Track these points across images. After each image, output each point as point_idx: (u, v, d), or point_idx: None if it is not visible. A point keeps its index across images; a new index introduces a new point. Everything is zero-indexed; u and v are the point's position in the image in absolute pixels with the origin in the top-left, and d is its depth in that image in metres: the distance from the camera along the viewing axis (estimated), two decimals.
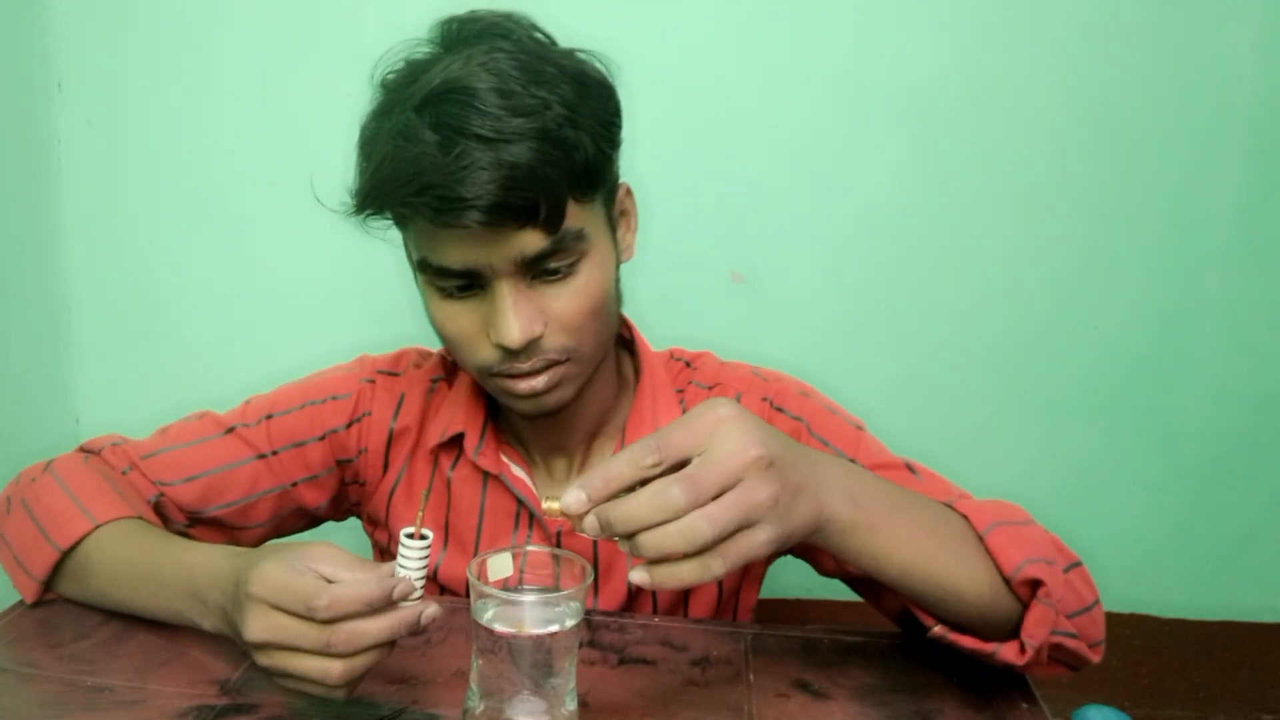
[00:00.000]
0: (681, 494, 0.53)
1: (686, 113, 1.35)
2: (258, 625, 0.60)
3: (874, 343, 1.43)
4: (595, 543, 0.85)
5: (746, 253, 1.41)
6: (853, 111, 1.37)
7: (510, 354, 0.73)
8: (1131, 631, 1.48)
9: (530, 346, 0.73)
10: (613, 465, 0.55)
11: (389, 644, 0.61)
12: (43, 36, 1.37)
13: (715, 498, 0.54)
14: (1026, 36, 1.34)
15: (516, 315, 0.71)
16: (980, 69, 1.35)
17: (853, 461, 0.79)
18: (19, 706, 0.66)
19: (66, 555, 0.77)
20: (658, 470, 0.55)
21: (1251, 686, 1.50)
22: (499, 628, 0.57)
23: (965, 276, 1.41)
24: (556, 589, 0.61)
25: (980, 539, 0.68)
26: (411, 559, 0.61)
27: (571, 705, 0.60)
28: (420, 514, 0.63)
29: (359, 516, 0.95)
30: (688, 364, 0.91)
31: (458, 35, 0.74)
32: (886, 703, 0.69)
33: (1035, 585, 0.66)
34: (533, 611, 0.58)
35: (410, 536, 0.61)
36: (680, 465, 0.55)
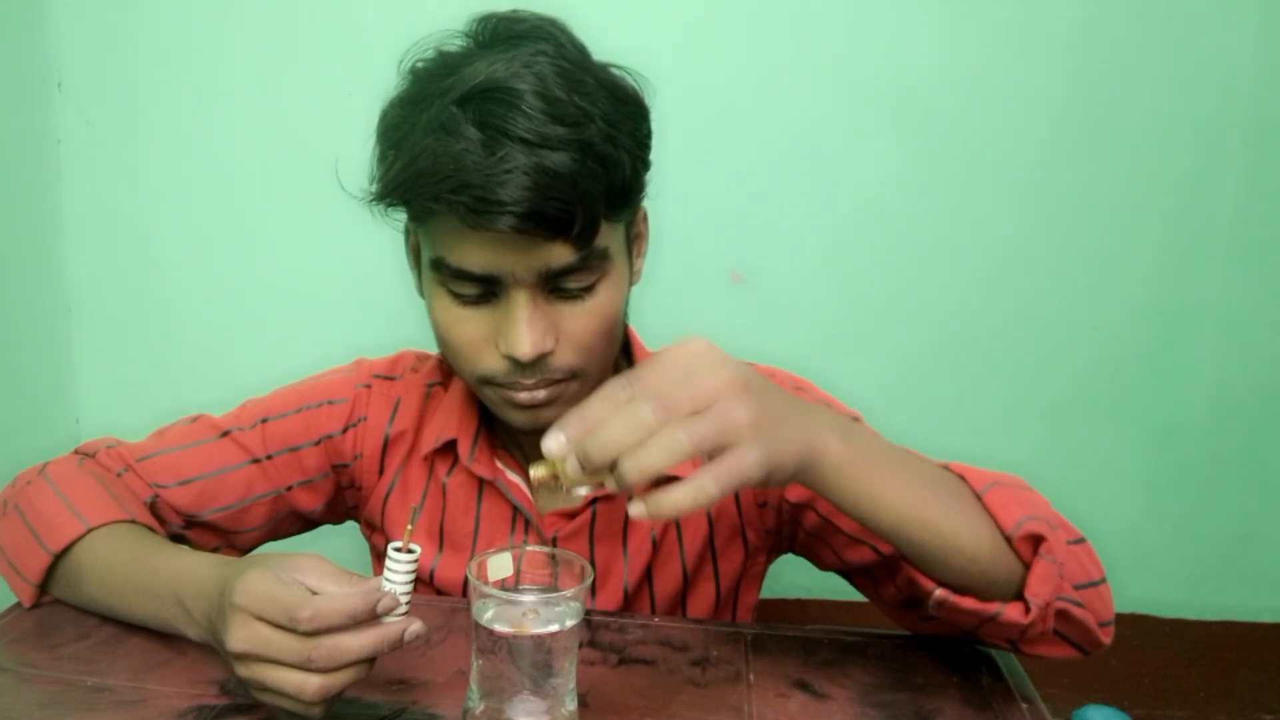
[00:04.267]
0: (651, 410, 0.52)
1: (686, 113, 1.34)
2: (240, 635, 0.59)
3: (873, 343, 1.43)
4: (591, 548, 0.84)
5: (746, 253, 1.41)
6: (851, 110, 1.37)
7: (516, 367, 0.72)
8: (1131, 631, 1.48)
9: (538, 362, 0.72)
10: (588, 404, 0.54)
11: (369, 661, 0.60)
12: (43, 36, 1.37)
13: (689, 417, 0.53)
14: (1026, 36, 1.34)
15: (530, 328, 0.70)
16: (979, 68, 1.35)
17: None
18: (19, 706, 0.66)
19: (59, 559, 0.77)
20: None
21: (1251, 686, 1.50)
22: (499, 628, 0.57)
23: (964, 275, 1.41)
24: (555, 589, 0.61)
25: (978, 497, 0.66)
26: (398, 572, 0.60)
27: (571, 705, 0.60)
28: (410, 529, 0.61)
29: (356, 520, 0.95)
30: None
31: (497, 33, 0.72)
32: (886, 703, 0.69)
33: (1037, 542, 0.64)
34: (532, 611, 0.58)
35: (399, 550, 0.61)
36: None
